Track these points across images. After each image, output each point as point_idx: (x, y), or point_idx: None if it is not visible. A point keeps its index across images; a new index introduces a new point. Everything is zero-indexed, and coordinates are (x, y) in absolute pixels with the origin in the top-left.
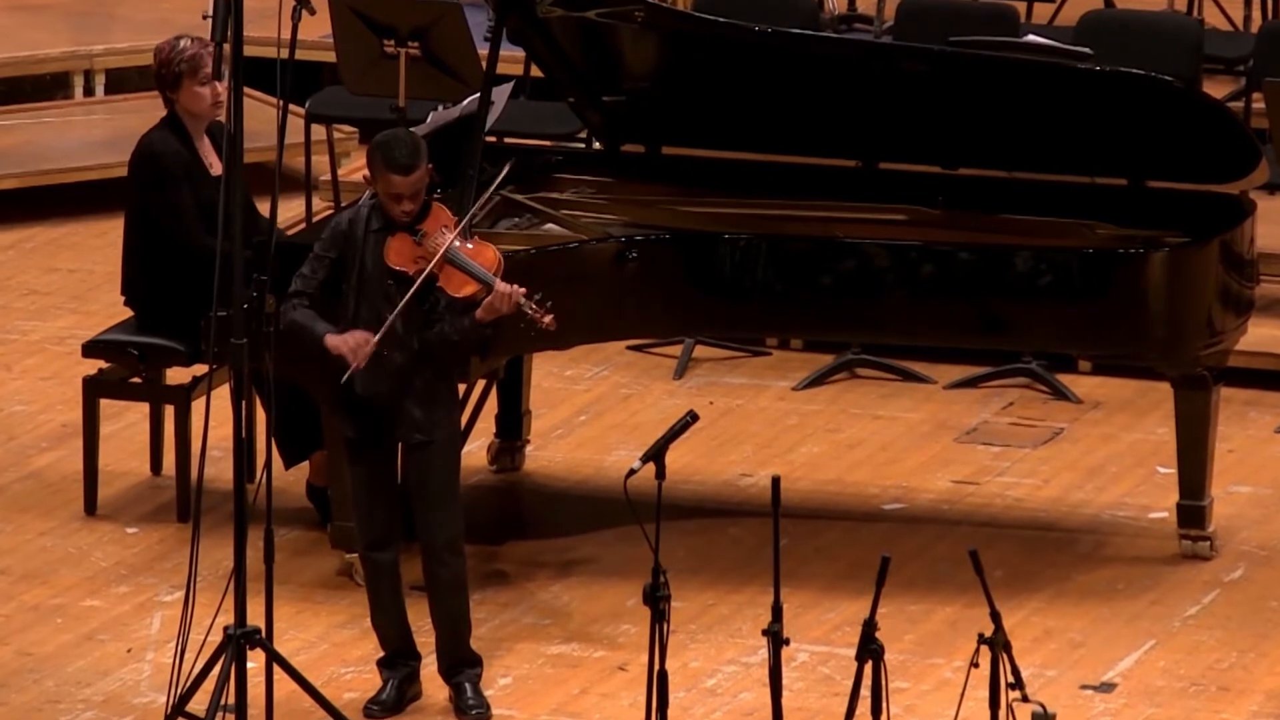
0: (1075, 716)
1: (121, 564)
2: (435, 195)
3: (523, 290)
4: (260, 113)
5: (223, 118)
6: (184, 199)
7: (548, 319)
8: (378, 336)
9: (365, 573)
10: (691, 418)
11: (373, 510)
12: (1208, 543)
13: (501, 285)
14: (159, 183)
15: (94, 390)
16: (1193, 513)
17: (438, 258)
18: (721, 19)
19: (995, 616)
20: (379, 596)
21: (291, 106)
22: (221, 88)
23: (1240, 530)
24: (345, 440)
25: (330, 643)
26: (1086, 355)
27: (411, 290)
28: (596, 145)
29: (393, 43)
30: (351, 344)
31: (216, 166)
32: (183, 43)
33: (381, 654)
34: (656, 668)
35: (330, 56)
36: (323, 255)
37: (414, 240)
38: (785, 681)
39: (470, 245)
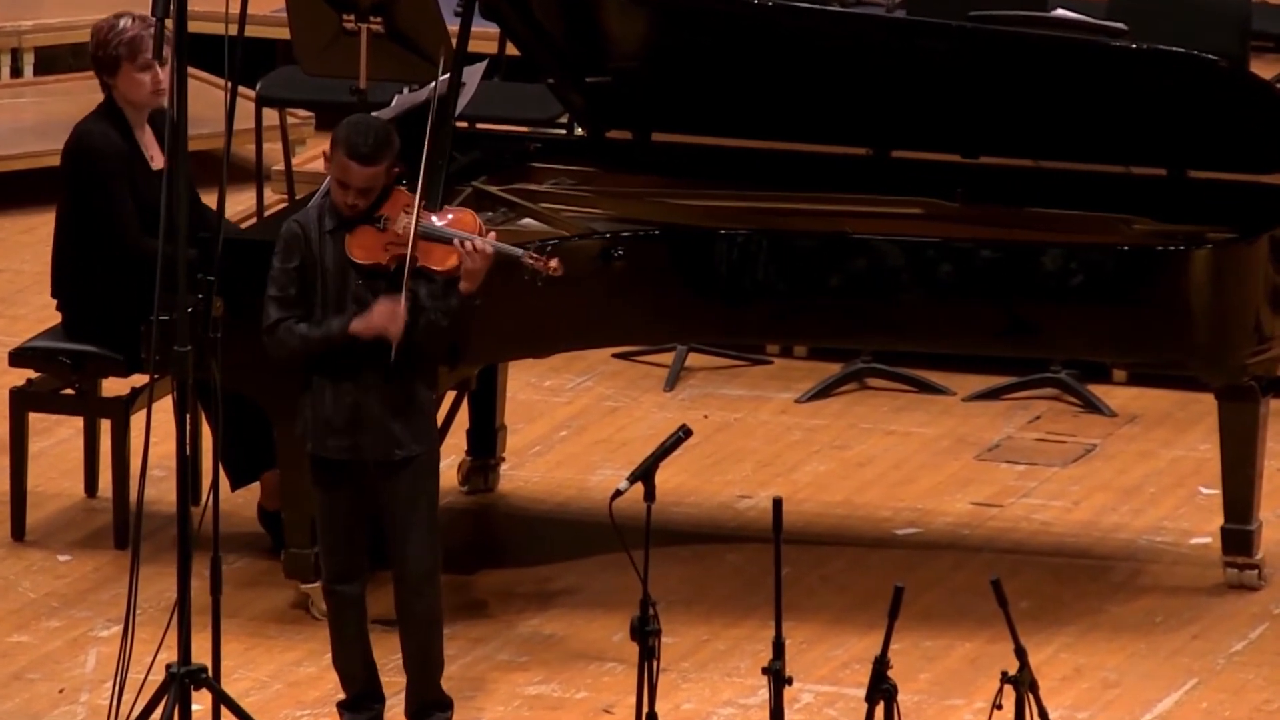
0: None
1: (53, 595)
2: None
3: (492, 236)
4: (206, 95)
5: (165, 104)
6: (123, 200)
7: (553, 263)
8: (402, 299)
9: (329, 607)
10: (684, 433)
11: (340, 538)
12: (1255, 571)
13: (470, 241)
14: (95, 182)
15: (22, 403)
16: (1239, 538)
17: (412, 237)
18: None
19: (1020, 653)
20: (343, 633)
21: (241, 89)
22: (163, 72)
23: None
24: (312, 459)
25: (284, 682)
26: (1121, 364)
27: (406, 277)
28: (579, 131)
29: (353, 18)
30: (383, 318)
31: (159, 159)
32: (122, 22)
33: (343, 696)
34: (645, 710)
35: (284, 33)
36: (285, 268)
37: (377, 228)
38: None
39: (443, 216)
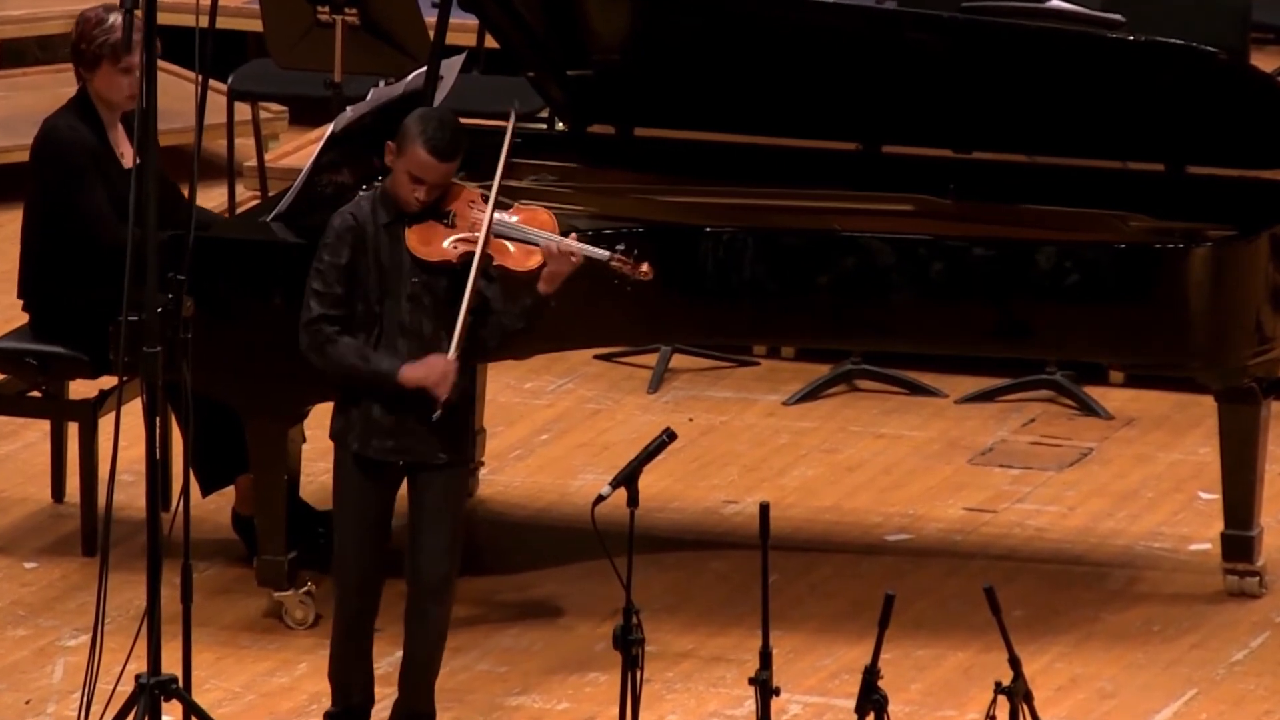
0: None
1: (19, 603)
2: (377, 183)
3: (573, 236)
4: (176, 89)
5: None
6: (95, 196)
7: (643, 267)
8: (453, 350)
9: (344, 616)
10: (668, 436)
11: (368, 541)
12: (1256, 578)
13: (552, 241)
14: (65, 178)
15: None
16: (1239, 544)
17: (485, 234)
18: None
19: (1014, 662)
20: (357, 644)
21: (212, 82)
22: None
23: None
24: (354, 458)
25: (257, 693)
26: (1118, 365)
27: (472, 278)
28: (560, 126)
29: (327, 9)
30: (437, 374)
31: (130, 157)
32: (112, 18)
33: (332, 708)
34: None
35: (256, 25)
36: (334, 263)
37: (444, 224)
38: None
39: (514, 215)
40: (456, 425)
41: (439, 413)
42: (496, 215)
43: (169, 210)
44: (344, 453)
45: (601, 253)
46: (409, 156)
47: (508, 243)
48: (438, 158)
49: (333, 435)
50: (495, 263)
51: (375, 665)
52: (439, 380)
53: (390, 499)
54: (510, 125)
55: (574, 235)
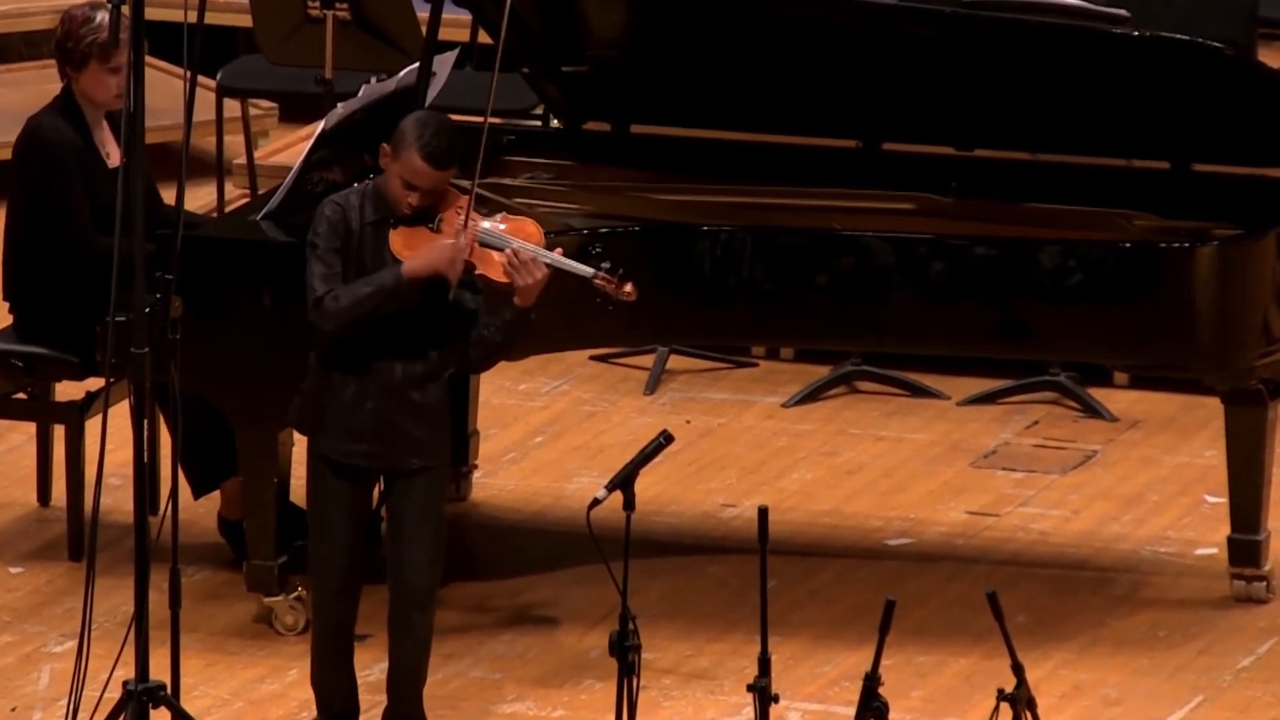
0: None
1: (4, 609)
2: (370, 179)
3: (558, 251)
4: (165, 86)
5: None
6: (76, 197)
7: (627, 287)
8: (464, 237)
9: (323, 623)
10: (665, 439)
11: (346, 546)
12: (1264, 583)
13: (521, 252)
14: (48, 178)
15: None
16: (1246, 548)
17: (469, 241)
18: None
19: (1017, 669)
20: (337, 651)
21: (201, 78)
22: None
23: None
24: (326, 462)
25: (246, 700)
26: (1123, 366)
27: (453, 284)
28: (555, 123)
29: (318, 4)
30: (445, 258)
31: (115, 156)
32: (100, 16)
33: (316, 717)
34: None
35: (246, 20)
36: (332, 248)
37: (430, 228)
38: None
39: (502, 224)
40: (429, 427)
41: (452, 294)
42: (483, 224)
43: (150, 216)
44: (316, 452)
45: (585, 270)
46: (404, 162)
47: (492, 252)
48: (433, 165)
49: (293, 424)
50: (477, 271)
51: (364, 673)
52: (448, 262)
53: (367, 498)
54: (484, 131)
55: (559, 250)
